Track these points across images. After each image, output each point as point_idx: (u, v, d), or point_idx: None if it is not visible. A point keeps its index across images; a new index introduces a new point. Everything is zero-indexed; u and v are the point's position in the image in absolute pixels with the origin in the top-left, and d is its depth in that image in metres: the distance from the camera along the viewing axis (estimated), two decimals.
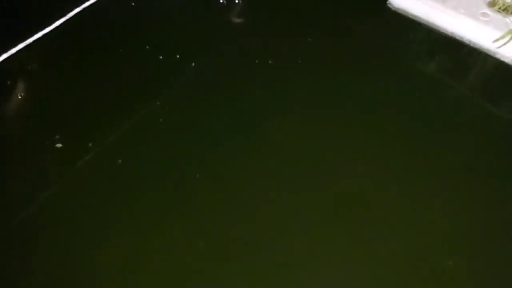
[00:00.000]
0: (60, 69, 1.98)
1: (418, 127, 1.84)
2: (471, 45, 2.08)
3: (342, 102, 1.91)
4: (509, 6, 2.08)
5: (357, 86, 1.96)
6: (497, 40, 1.97)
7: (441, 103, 1.93)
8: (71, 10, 2.12)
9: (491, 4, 2.10)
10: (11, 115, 1.85)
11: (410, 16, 2.18)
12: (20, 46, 1.98)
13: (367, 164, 1.71)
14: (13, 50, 1.95)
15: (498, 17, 2.05)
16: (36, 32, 2.01)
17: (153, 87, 1.93)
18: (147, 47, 2.06)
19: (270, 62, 2.03)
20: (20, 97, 1.89)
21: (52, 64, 2.01)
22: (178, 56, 2.03)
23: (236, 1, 2.25)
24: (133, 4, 2.22)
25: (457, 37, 2.11)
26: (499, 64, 2.03)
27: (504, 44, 1.97)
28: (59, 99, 1.88)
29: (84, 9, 2.14)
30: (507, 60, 2.02)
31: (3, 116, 1.84)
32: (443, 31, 2.12)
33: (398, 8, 2.20)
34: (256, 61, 2.04)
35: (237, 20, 2.23)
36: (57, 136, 1.76)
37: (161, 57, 2.02)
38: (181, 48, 2.07)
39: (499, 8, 2.08)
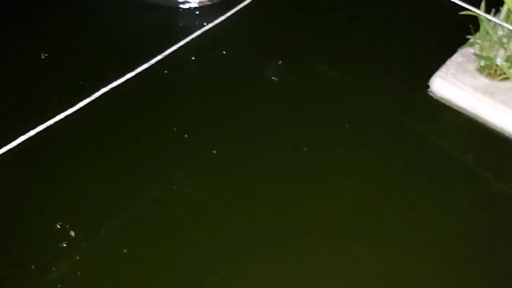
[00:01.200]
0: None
1: (455, 223, 1.70)
2: None
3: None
4: None
5: (397, 179, 1.82)
6: None
7: (480, 197, 1.79)
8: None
9: None
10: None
11: (453, 107, 2.01)
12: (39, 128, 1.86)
13: None
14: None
15: None
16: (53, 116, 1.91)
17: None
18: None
19: (305, 149, 1.89)
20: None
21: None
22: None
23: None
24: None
25: (505, 133, 1.93)
26: None
27: None
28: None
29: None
30: None
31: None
32: (490, 125, 1.96)
33: (441, 98, 2.04)
34: (288, 149, 1.89)
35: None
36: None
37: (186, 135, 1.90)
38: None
39: None
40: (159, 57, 2.14)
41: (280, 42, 2.29)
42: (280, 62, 2.18)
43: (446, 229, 1.69)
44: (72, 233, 1.65)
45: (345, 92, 2.11)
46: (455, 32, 2.02)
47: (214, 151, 1.87)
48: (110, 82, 2.01)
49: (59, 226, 1.67)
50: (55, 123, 1.92)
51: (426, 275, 1.57)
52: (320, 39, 2.30)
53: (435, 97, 2.07)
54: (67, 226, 1.66)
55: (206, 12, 2.39)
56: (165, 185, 1.78)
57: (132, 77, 2.05)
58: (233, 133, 1.96)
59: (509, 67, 1.93)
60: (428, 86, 2.08)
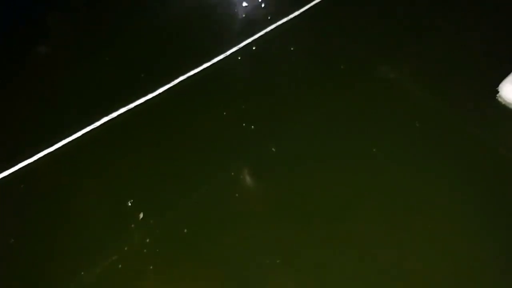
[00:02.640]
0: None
1: None
2: None
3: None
4: None
5: (462, 188, 1.79)
6: None
7: None
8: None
9: None
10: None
11: None
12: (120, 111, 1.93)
13: None
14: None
15: None
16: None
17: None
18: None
19: (374, 150, 1.88)
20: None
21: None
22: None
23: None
24: None
25: None
26: None
27: None
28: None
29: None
30: None
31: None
32: None
33: (510, 103, 2.00)
34: (354, 150, 1.90)
35: None
36: None
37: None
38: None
39: None
40: (230, 51, 2.18)
41: (345, 43, 2.29)
42: (342, 67, 2.18)
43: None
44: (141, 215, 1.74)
45: (411, 97, 2.09)
46: None
47: (273, 149, 1.91)
48: (188, 71, 2.08)
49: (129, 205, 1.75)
50: (136, 106, 2.00)
51: None
52: (389, 45, 2.29)
53: (504, 103, 2.02)
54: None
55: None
56: (226, 172, 1.85)
57: (208, 66, 2.11)
58: (297, 130, 1.99)
59: None
60: (497, 92, 2.03)
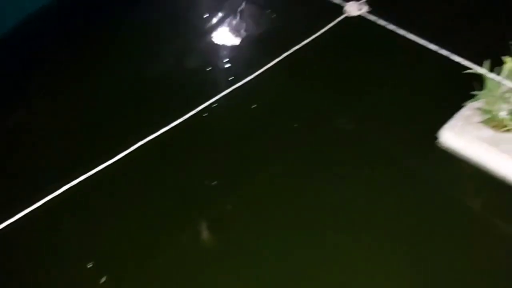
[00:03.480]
0: None
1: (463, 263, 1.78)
2: None
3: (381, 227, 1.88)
4: None
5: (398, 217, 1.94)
6: None
7: (484, 239, 1.87)
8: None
9: None
10: None
11: (461, 156, 2.12)
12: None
13: None
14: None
15: None
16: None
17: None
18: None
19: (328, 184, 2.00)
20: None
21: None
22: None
23: None
24: None
25: (509, 181, 2.01)
26: None
27: None
28: None
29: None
30: None
31: None
32: (495, 174, 2.04)
33: (449, 148, 2.15)
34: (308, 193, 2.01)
35: None
36: None
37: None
38: None
39: None
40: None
41: (305, 98, 2.46)
42: (296, 125, 2.31)
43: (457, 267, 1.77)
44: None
45: (363, 143, 2.24)
46: (462, 89, 2.14)
47: (232, 206, 2.02)
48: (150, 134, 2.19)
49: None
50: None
51: None
52: (342, 96, 2.46)
53: (444, 148, 2.17)
54: None
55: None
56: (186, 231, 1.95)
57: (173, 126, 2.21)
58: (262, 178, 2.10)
59: (511, 120, 2.04)
60: (436, 138, 2.18)
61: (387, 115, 2.34)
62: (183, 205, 2.02)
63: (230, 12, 2.98)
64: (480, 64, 2.03)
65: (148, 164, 2.17)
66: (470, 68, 2.02)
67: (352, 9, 2.20)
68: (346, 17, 2.21)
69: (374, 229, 1.89)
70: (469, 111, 2.19)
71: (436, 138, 2.19)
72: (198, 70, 2.59)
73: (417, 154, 2.18)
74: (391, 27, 2.12)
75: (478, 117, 2.14)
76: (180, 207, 2.02)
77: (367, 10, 2.19)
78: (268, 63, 2.31)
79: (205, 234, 1.94)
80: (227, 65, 2.61)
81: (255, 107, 2.40)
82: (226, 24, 2.89)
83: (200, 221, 1.97)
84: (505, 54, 2.01)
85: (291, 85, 2.50)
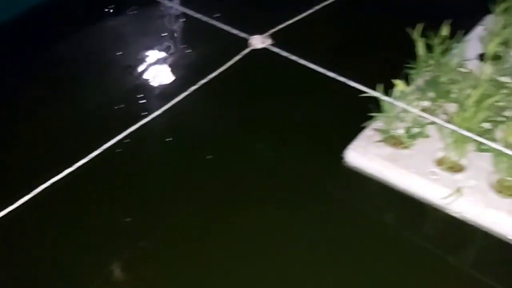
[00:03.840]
0: None
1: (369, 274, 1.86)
2: (422, 201, 2.13)
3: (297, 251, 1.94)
4: (455, 164, 2.17)
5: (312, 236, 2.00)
6: (447, 197, 2.03)
7: (393, 250, 1.98)
8: None
9: (439, 163, 2.19)
10: None
11: (365, 174, 2.25)
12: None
13: None
14: None
15: (446, 175, 2.13)
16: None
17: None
18: None
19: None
20: None
21: None
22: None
23: None
24: None
25: (409, 194, 2.16)
26: (449, 219, 2.07)
27: (453, 201, 2.03)
28: None
29: None
30: (456, 215, 2.07)
31: None
32: (397, 188, 2.19)
33: (354, 167, 2.28)
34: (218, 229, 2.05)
35: None
36: None
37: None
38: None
39: (447, 166, 2.16)
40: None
41: (218, 129, 2.52)
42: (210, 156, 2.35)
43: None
44: None
45: (278, 168, 2.33)
46: (362, 112, 2.28)
47: (147, 243, 2.00)
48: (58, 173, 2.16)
49: None
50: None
51: None
52: (255, 123, 2.55)
53: (349, 167, 2.30)
54: None
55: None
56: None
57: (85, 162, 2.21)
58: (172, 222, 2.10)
59: (407, 137, 2.21)
60: (343, 159, 2.31)
61: (298, 140, 2.45)
62: (94, 244, 1.99)
63: (147, 49, 3.02)
64: (374, 88, 2.19)
65: (56, 203, 2.13)
66: (366, 92, 2.17)
67: (257, 42, 2.31)
68: (252, 50, 2.31)
69: (291, 253, 1.95)
70: (370, 132, 2.34)
71: (342, 159, 2.30)
72: (110, 106, 2.58)
73: (327, 175, 2.29)
74: (293, 57, 2.24)
75: (379, 137, 2.29)
76: (91, 246, 1.98)
77: (271, 43, 2.30)
78: (180, 95, 2.35)
79: (118, 274, 1.91)
80: (142, 101, 2.62)
81: (169, 140, 2.42)
82: (142, 60, 2.92)
83: (113, 261, 1.94)
84: (396, 78, 2.18)
85: (204, 116, 2.55)
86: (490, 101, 1.97)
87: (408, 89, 2.12)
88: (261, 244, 1.98)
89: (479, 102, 1.97)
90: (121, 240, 2.01)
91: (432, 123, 2.11)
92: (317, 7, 2.54)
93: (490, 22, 2.71)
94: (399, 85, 2.09)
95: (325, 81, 2.25)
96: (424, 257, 1.93)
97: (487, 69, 2.12)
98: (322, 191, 2.22)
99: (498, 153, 1.89)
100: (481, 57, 2.64)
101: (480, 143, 1.95)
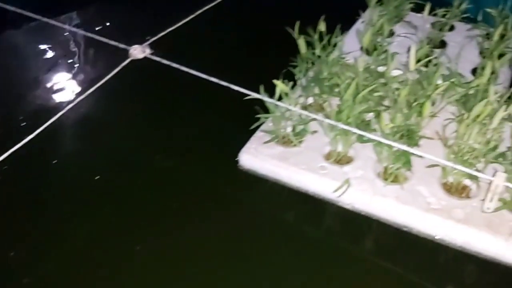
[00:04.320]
0: None
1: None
2: (316, 196, 2.15)
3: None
4: (343, 156, 2.21)
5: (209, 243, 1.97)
6: (336, 190, 2.05)
7: (293, 245, 1.98)
8: None
9: (327, 157, 2.21)
10: None
11: (259, 175, 2.24)
12: None
13: None
14: None
15: (335, 168, 2.16)
16: None
17: None
18: None
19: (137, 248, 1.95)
20: None
21: None
22: None
23: None
24: None
25: (302, 190, 2.17)
26: (342, 211, 2.10)
27: (343, 192, 2.05)
28: None
29: None
30: (348, 207, 2.10)
31: None
32: (291, 186, 2.19)
33: (249, 169, 2.26)
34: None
35: None
36: None
37: None
38: None
39: (334, 160, 2.19)
40: None
41: (106, 145, 2.41)
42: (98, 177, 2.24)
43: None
44: None
45: (179, 177, 2.27)
46: (250, 114, 2.26)
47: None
48: None
49: None
50: None
51: None
52: (146, 136, 2.47)
53: (244, 170, 2.28)
54: None
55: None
56: None
57: None
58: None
59: (294, 136, 2.22)
60: (237, 162, 2.29)
61: (190, 148, 2.41)
62: None
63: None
64: (257, 90, 2.17)
65: None
66: (249, 95, 2.15)
67: (137, 52, 2.23)
68: (132, 60, 2.23)
69: (196, 259, 1.92)
70: (260, 133, 2.34)
71: (237, 162, 2.28)
72: None
73: (224, 180, 2.27)
74: (175, 65, 2.18)
75: (268, 137, 2.28)
76: None
77: (151, 52, 2.23)
78: (57, 114, 2.24)
79: None
80: (22, 123, 2.45)
81: (55, 162, 2.28)
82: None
83: None
84: (281, 77, 2.18)
85: (89, 134, 2.44)
86: (366, 92, 2.00)
87: (289, 88, 2.12)
88: (167, 256, 1.92)
89: (356, 93, 2.00)
90: (2, 277, 1.85)
91: (314, 119, 2.12)
92: (198, 12, 2.49)
93: (368, 14, 2.79)
94: (279, 84, 2.08)
95: (211, 87, 2.20)
96: (324, 249, 1.95)
97: (363, 60, 2.16)
98: (221, 196, 2.19)
99: (378, 143, 1.93)
100: (362, 49, 2.72)
101: (360, 134, 1.98)
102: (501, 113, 1.76)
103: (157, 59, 2.20)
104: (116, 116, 2.51)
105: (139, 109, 2.54)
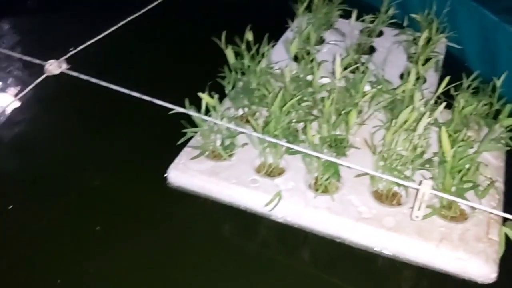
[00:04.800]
0: None
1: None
2: (248, 211, 2.07)
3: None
4: (274, 168, 2.14)
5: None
6: (268, 204, 1.97)
7: (227, 261, 1.91)
8: None
9: (258, 170, 2.14)
10: None
11: (190, 192, 2.14)
12: None
13: None
14: None
15: (266, 181, 2.09)
16: None
17: None
18: None
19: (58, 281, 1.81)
20: None
21: None
22: None
23: None
24: None
25: (234, 205, 2.09)
26: (275, 225, 2.03)
27: (275, 206, 1.98)
28: None
29: None
30: (280, 220, 2.03)
31: None
32: (222, 201, 2.11)
33: (179, 186, 2.16)
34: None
35: None
36: None
37: None
38: None
39: (265, 172, 2.12)
40: None
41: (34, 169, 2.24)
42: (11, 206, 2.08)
43: None
44: None
45: (107, 197, 2.15)
46: (177, 129, 2.16)
47: None
48: None
49: None
50: None
51: None
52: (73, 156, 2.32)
53: (174, 187, 2.17)
54: None
55: None
56: None
57: None
58: None
59: (223, 149, 2.13)
60: (166, 179, 2.17)
61: (117, 168, 2.30)
62: None
63: None
64: (183, 104, 2.07)
65: None
66: (173, 109, 2.05)
67: (52, 68, 2.08)
68: (48, 76, 2.07)
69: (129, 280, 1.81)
70: (189, 148, 2.23)
71: (166, 179, 2.17)
72: None
73: (154, 199, 2.16)
74: (94, 80, 2.05)
75: (197, 152, 2.19)
76: None
77: (67, 67, 2.08)
78: None
79: None
80: None
81: None
82: None
83: None
84: (210, 90, 2.10)
85: (4, 154, 2.26)
86: (293, 102, 1.94)
87: (216, 100, 2.03)
88: (98, 276, 1.81)
89: (284, 104, 1.94)
90: None
91: (242, 132, 2.04)
92: (120, 24, 2.35)
93: (296, 23, 2.75)
94: (205, 97, 1.99)
95: (136, 102, 2.08)
96: (258, 264, 1.88)
97: (290, 69, 2.10)
98: (150, 215, 2.08)
99: (306, 154, 1.86)
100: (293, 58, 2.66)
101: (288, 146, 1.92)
102: (425, 119, 1.73)
103: (75, 74, 2.06)
104: (33, 136, 2.35)
105: (58, 127, 2.38)
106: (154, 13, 2.64)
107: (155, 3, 2.56)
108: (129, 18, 2.39)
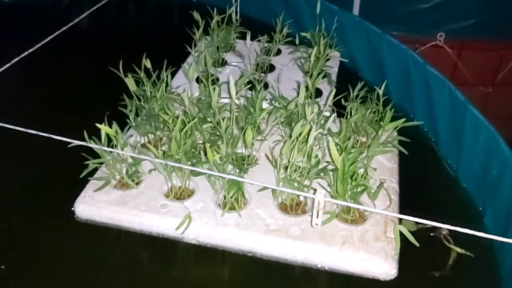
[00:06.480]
0: None
1: None
2: (161, 236, 2.03)
3: None
4: (184, 191, 2.11)
5: None
6: (178, 227, 1.94)
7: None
8: None
9: (167, 194, 2.10)
10: None
11: (100, 224, 2.06)
12: None
13: None
14: None
15: (176, 204, 2.05)
16: None
17: None
18: None
19: None
20: None
21: None
22: None
23: None
24: None
25: (146, 233, 2.04)
26: (188, 247, 2.01)
27: (186, 228, 1.95)
28: None
29: None
30: (193, 242, 2.01)
31: None
32: (134, 230, 2.04)
33: (87, 219, 2.07)
34: None
35: None
36: None
37: None
38: None
39: (175, 196, 2.09)
40: None
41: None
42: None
43: None
44: None
45: (6, 241, 2.01)
46: (78, 162, 2.08)
47: None
48: None
49: None
50: None
51: None
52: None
53: (82, 221, 2.08)
54: None
55: None
56: None
57: None
58: None
59: (129, 178, 2.07)
60: (74, 214, 2.08)
61: (25, 206, 2.17)
62: None
63: None
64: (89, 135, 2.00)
65: None
66: (72, 143, 1.97)
67: None
68: None
69: None
70: (95, 180, 2.15)
71: (74, 214, 2.08)
72: None
73: (63, 236, 2.05)
74: None
75: (102, 183, 2.11)
76: None
77: None
78: None
79: None
80: None
81: None
82: None
83: None
84: (110, 119, 2.04)
85: None
86: (191, 124, 1.93)
87: (117, 129, 1.98)
88: None
89: (184, 126, 1.93)
90: None
91: (144, 159, 2.00)
92: (14, 60, 2.24)
93: (197, 47, 2.76)
94: (103, 128, 1.93)
95: (33, 138, 1.98)
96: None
97: (188, 93, 2.11)
98: (61, 253, 1.97)
99: (209, 175, 1.86)
100: (196, 81, 2.67)
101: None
102: (314, 131, 1.78)
103: None
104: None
105: None
106: (49, 47, 2.54)
107: (50, 38, 2.46)
108: (23, 54, 2.28)
